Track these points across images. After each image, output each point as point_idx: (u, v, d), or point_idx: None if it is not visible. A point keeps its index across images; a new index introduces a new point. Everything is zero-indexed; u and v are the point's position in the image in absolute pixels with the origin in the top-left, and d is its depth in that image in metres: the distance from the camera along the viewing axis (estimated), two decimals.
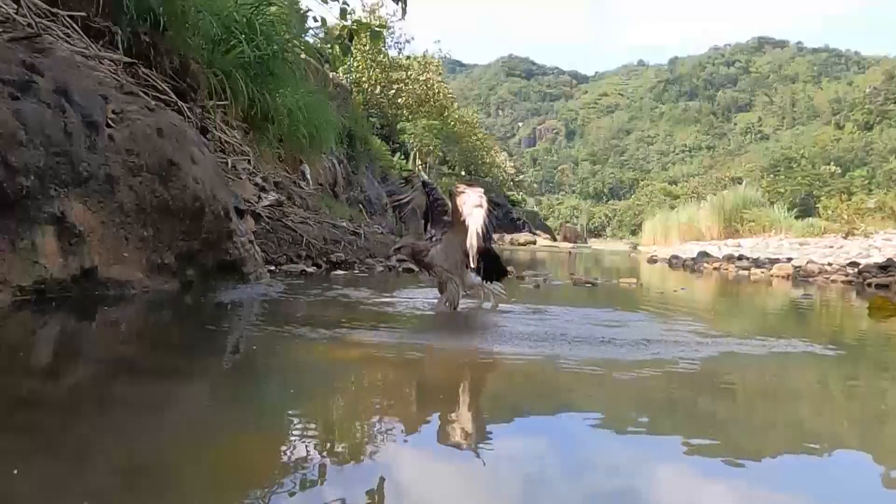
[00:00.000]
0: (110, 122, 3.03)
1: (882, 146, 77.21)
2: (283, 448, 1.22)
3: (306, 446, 1.22)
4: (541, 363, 2.03)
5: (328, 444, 1.25)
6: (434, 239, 2.97)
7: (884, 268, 6.62)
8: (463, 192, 2.72)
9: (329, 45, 10.33)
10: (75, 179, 2.70)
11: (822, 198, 29.66)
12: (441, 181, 36.19)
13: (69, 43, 4.00)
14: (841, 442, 1.45)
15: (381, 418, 1.43)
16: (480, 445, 1.26)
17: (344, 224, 7.26)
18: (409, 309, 3.08)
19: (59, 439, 1.17)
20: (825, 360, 2.31)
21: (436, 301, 3.10)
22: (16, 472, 1.00)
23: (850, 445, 1.42)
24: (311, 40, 9.58)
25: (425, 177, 3.12)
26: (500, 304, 3.17)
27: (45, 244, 2.56)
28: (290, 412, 1.48)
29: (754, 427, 1.53)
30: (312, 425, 1.39)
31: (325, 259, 5.53)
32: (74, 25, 4.31)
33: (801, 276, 7.57)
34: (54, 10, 4.18)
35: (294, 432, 1.33)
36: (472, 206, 2.67)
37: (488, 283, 3.08)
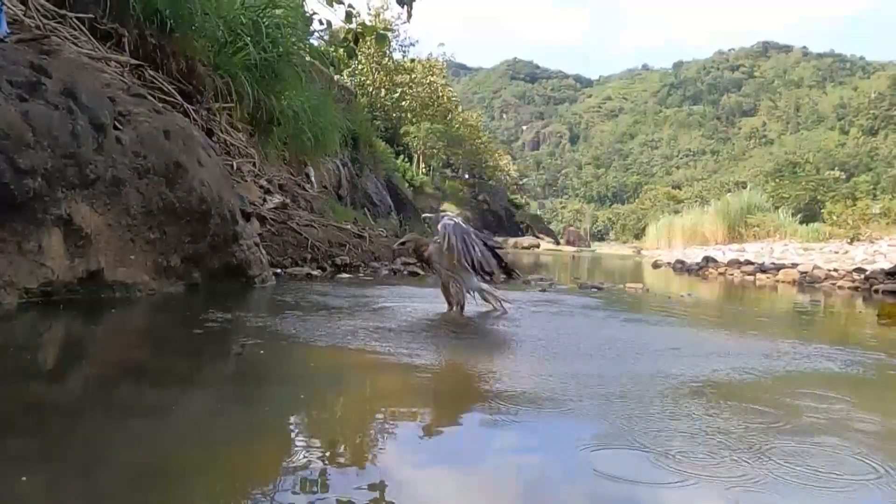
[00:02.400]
0: (117, 124, 3.02)
1: (887, 151, 77.14)
2: (290, 453, 1.20)
3: (313, 451, 1.21)
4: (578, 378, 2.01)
5: (334, 450, 1.24)
6: (435, 239, 3.02)
7: (891, 274, 6.59)
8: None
9: (334, 48, 10.35)
10: (82, 181, 2.70)
11: (826, 203, 29.59)
12: (445, 184, 36.26)
13: (76, 45, 4.00)
14: None
15: (386, 427, 1.41)
16: None
17: (349, 227, 7.24)
18: (416, 315, 3.07)
19: (65, 443, 1.16)
20: None
21: (440, 306, 3.09)
22: (24, 479, 0.98)
23: None
24: (316, 43, 9.61)
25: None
26: (508, 311, 3.15)
27: (51, 246, 2.55)
28: (295, 417, 1.47)
29: None
30: (318, 430, 1.38)
31: (330, 262, 5.52)
32: (82, 27, 4.31)
33: (807, 282, 7.53)
34: (62, 11, 4.19)
35: (300, 437, 1.32)
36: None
37: (496, 278, 3.08)
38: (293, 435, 1.35)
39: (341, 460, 1.18)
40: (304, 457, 1.17)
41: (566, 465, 1.23)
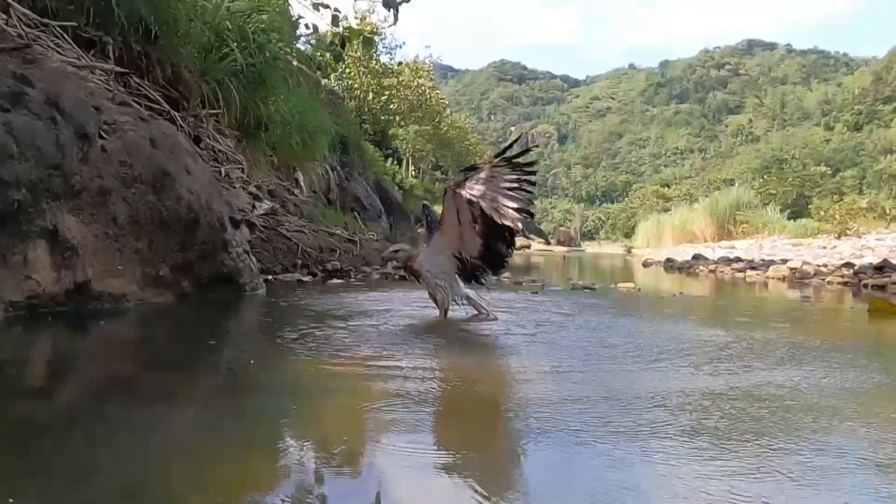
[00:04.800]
0: (103, 133, 2.99)
1: (872, 146, 77.78)
2: (283, 467, 1.18)
3: (307, 465, 1.19)
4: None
5: (329, 463, 1.22)
6: (423, 246, 3.01)
7: (879, 268, 6.64)
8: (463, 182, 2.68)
9: (320, 53, 10.32)
10: (68, 192, 2.66)
11: (813, 198, 29.83)
12: (434, 186, 36.24)
13: (60, 53, 3.96)
14: None
15: (381, 439, 1.39)
16: None
17: (339, 232, 7.22)
18: (409, 321, 3.05)
19: (53, 460, 1.13)
20: None
21: (432, 311, 3.08)
22: (11, 500, 0.96)
23: None
24: (302, 47, 9.58)
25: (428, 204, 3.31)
26: (496, 318, 3.12)
27: (37, 258, 2.52)
28: (288, 429, 1.45)
29: None
30: (312, 443, 1.36)
31: (320, 267, 5.49)
32: (65, 35, 4.27)
33: (797, 278, 7.58)
34: (44, 20, 4.14)
35: (293, 450, 1.30)
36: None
37: (478, 281, 3.06)
38: (285, 448, 1.33)
39: (337, 474, 1.17)
40: (298, 471, 1.15)
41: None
